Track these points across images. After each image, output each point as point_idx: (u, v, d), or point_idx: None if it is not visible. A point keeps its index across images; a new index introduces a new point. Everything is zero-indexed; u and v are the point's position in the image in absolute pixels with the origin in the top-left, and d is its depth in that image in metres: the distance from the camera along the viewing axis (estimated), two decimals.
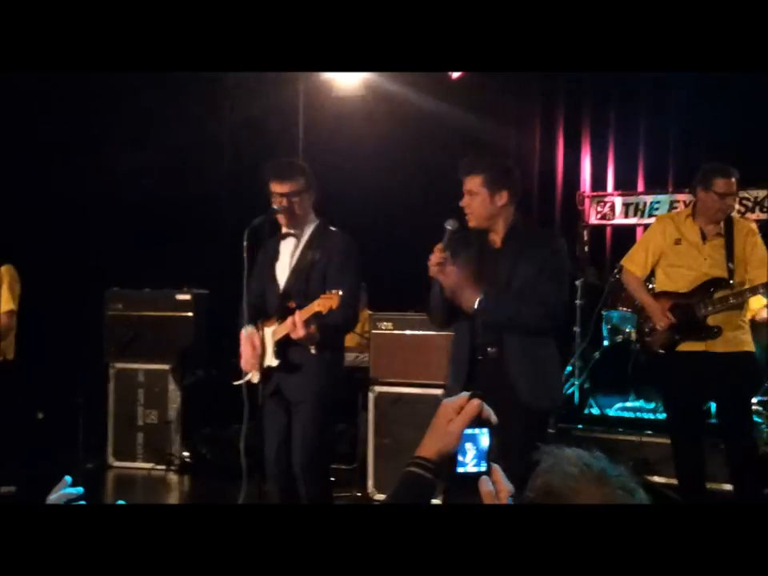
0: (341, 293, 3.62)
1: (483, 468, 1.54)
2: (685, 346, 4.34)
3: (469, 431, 1.54)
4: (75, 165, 6.87)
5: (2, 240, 5.81)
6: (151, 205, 7.18)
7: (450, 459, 1.53)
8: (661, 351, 4.43)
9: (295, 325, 3.72)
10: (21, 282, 5.56)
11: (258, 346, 3.93)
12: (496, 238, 3.71)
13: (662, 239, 4.46)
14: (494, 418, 1.55)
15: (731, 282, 4.27)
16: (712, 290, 4.29)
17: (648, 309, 4.48)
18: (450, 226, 3.56)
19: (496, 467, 1.54)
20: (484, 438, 1.55)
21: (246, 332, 3.97)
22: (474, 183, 3.64)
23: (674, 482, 4.77)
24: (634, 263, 4.57)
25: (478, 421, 1.54)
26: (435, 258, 3.49)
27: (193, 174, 7.30)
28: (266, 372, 3.94)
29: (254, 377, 3.99)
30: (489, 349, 3.61)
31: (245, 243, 3.82)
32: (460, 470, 1.54)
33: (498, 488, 1.52)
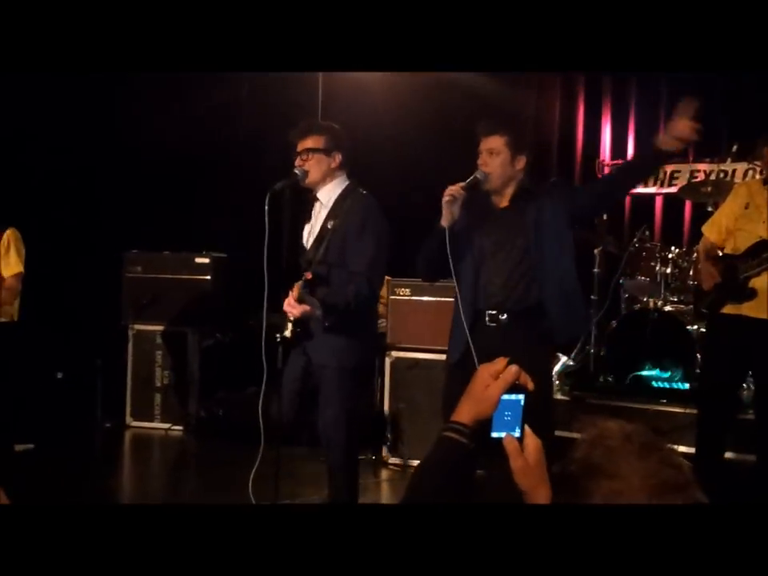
0: (308, 276, 3.64)
1: (518, 433, 1.54)
2: (727, 309, 4.32)
3: (505, 397, 1.54)
4: (95, 127, 6.88)
5: (23, 202, 5.84)
6: (171, 168, 7.18)
7: (485, 424, 1.54)
8: (704, 311, 4.49)
9: (289, 305, 3.71)
10: (42, 244, 5.60)
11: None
12: (501, 200, 3.71)
13: (734, 204, 4.46)
14: (530, 384, 1.55)
15: None
16: (758, 252, 4.24)
17: (700, 271, 4.54)
18: (479, 175, 3.58)
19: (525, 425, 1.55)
20: (520, 404, 1.55)
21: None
22: (496, 142, 3.62)
23: (689, 451, 4.78)
24: (708, 229, 4.59)
25: (515, 387, 1.55)
26: (453, 189, 3.49)
27: (213, 138, 7.28)
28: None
29: (287, 331, 3.98)
30: (500, 316, 3.61)
31: (266, 207, 3.79)
32: (495, 434, 1.54)
33: (525, 442, 1.53)
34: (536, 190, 3.70)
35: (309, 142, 3.91)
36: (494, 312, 3.61)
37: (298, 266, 3.98)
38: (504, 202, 3.71)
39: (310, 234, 4.00)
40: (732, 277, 4.28)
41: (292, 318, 3.82)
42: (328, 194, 3.97)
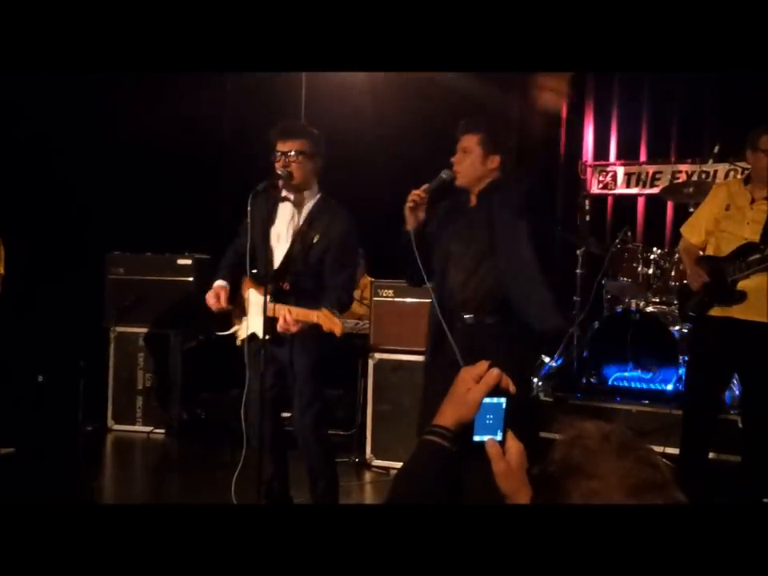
0: (342, 326, 3.61)
1: (500, 437, 1.54)
2: (715, 311, 4.30)
3: (487, 400, 1.54)
4: (76, 128, 6.83)
5: (3, 202, 5.80)
6: (153, 168, 7.15)
7: (467, 428, 1.54)
8: (691, 314, 4.45)
9: (287, 322, 3.69)
10: (23, 245, 5.56)
11: (224, 300, 3.94)
12: (472, 199, 3.70)
13: (714, 205, 4.43)
14: (512, 388, 1.55)
15: (761, 246, 4.18)
16: (744, 254, 4.22)
17: (687, 272, 4.52)
18: (444, 175, 3.57)
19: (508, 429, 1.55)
20: (502, 407, 1.55)
21: (217, 285, 4.00)
22: (470, 141, 3.63)
23: (669, 451, 4.80)
24: (688, 231, 4.56)
25: (497, 390, 1.55)
26: (416, 194, 3.49)
27: (195, 139, 7.25)
28: (253, 336, 3.94)
29: (241, 333, 3.99)
30: (465, 316, 3.60)
31: (248, 208, 3.79)
32: (477, 438, 1.55)
33: (507, 445, 1.53)
34: (501, 188, 3.67)
35: (295, 145, 3.89)
36: (461, 312, 3.61)
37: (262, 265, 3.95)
38: (474, 201, 3.71)
39: (283, 238, 3.97)
40: (720, 279, 4.27)
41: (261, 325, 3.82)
42: (303, 200, 3.97)
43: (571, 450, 1.29)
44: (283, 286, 3.84)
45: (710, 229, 4.43)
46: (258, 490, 3.92)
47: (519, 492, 1.50)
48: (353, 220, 4.01)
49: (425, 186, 3.52)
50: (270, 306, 3.74)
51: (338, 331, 3.60)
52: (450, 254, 3.66)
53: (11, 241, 5.44)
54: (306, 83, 7.37)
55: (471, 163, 3.62)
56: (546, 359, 6.11)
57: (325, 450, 4.04)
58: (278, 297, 3.79)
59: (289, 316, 3.68)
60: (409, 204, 3.50)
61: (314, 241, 3.90)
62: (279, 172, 3.87)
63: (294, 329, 3.70)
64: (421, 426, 3.69)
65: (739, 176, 4.95)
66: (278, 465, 4.07)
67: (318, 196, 4.01)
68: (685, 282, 4.72)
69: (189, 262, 6.63)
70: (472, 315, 3.59)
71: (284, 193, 3.95)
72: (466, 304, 3.59)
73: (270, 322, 3.77)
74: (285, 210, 3.99)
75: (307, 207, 3.97)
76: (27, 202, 6.60)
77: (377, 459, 5.62)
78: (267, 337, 3.77)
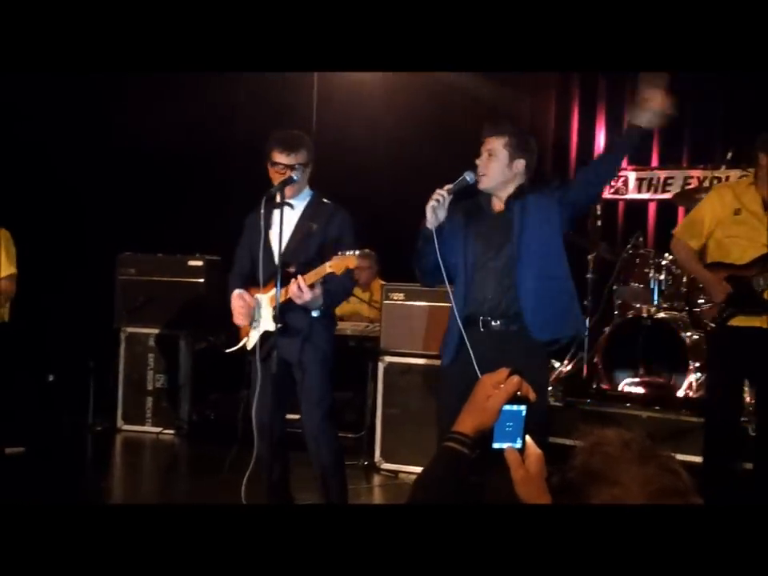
0: (357, 253, 3.61)
1: (519, 445, 1.54)
2: (738, 321, 4.16)
3: (507, 407, 1.54)
4: (89, 128, 6.86)
5: (14, 202, 5.81)
6: (165, 169, 7.17)
7: (487, 435, 1.54)
8: (711, 325, 4.26)
9: (301, 289, 3.70)
10: (34, 245, 5.58)
11: (251, 302, 3.95)
12: (498, 204, 3.69)
13: (719, 209, 4.25)
14: (532, 395, 1.55)
15: None
16: None
17: (702, 280, 4.31)
18: (468, 176, 3.55)
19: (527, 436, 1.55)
20: (522, 415, 1.55)
21: (236, 293, 4.01)
22: (496, 143, 3.62)
23: (681, 458, 4.76)
24: (687, 233, 4.38)
25: (517, 397, 1.55)
26: (439, 193, 3.47)
27: (207, 140, 7.27)
28: (263, 337, 3.95)
29: (248, 342, 4.00)
30: (493, 323, 3.59)
31: (262, 211, 3.81)
32: (496, 445, 1.54)
33: (527, 452, 1.53)
34: (530, 192, 3.66)
35: (295, 158, 3.95)
36: (486, 318, 3.59)
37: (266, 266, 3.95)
38: (499, 205, 3.69)
39: (283, 235, 3.98)
40: (746, 289, 4.12)
41: (275, 313, 3.82)
42: (299, 201, 4.03)
43: (592, 457, 1.30)
44: (289, 269, 3.85)
45: (711, 232, 4.27)
46: (268, 491, 3.93)
47: (538, 500, 1.49)
48: (346, 210, 4.06)
49: (448, 187, 3.50)
50: (282, 291, 3.76)
51: (351, 263, 3.59)
52: (477, 259, 3.64)
53: (24, 240, 5.46)
54: (318, 86, 7.37)
55: (498, 165, 3.61)
56: (557, 364, 6.10)
57: (336, 448, 4.05)
58: (286, 282, 3.80)
59: (301, 282, 3.70)
60: (432, 203, 3.48)
61: (312, 229, 3.96)
62: (293, 176, 3.89)
63: (307, 296, 3.71)
64: (441, 430, 3.67)
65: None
66: (283, 466, 4.08)
67: (312, 195, 4.08)
68: (691, 290, 4.58)
69: (200, 263, 6.64)
70: (499, 323, 3.57)
71: (278, 199, 3.97)
72: (495, 310, 3.58)
73: (278, 311, 3.77)
74: (279, 215, 4.00)
75: (301, 206, 4.03)
76: (38, 202, 6.62)
77: (386, 462, 5.61)
78: (277, 327, 3.77)
